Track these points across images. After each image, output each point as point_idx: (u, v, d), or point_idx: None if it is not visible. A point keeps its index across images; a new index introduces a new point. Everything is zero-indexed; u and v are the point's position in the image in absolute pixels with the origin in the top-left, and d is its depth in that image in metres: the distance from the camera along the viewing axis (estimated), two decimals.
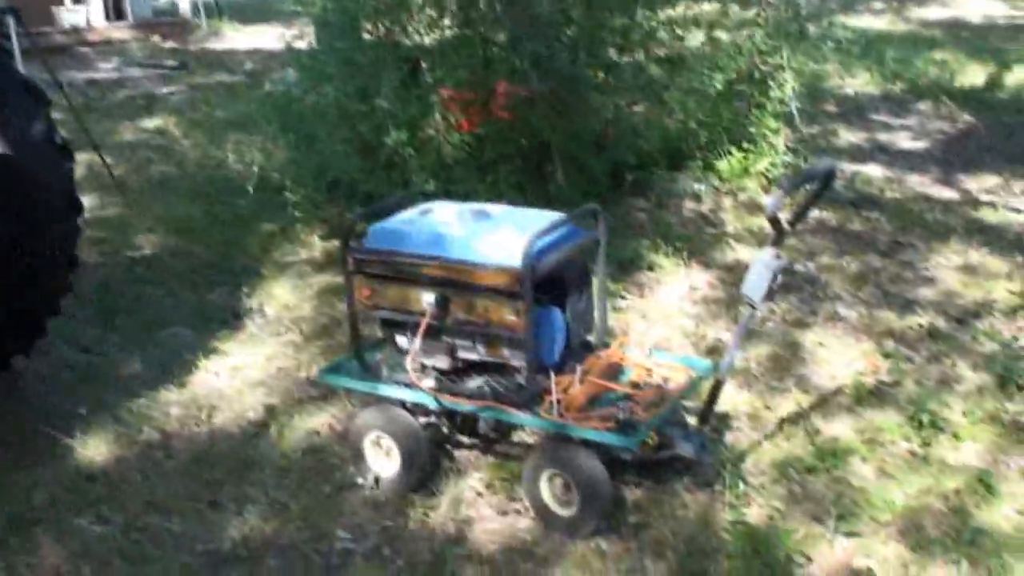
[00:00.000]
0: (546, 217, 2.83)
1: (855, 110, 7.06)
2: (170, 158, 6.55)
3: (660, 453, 2.85)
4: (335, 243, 4.85)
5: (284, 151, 5.25)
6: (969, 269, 4.39)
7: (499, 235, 2.71)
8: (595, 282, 3.00)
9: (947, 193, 5.39)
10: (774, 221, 2.59)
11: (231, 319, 4.30)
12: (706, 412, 2.87)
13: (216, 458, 3.24)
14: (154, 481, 3.12)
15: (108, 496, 3.05)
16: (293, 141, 4.89)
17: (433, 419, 3.02)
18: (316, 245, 4.96)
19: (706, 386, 2.90)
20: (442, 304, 2.75)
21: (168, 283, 4.67)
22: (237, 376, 3.80)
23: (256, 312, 4.37)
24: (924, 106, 7.08)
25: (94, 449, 3.31)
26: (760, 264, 2.64)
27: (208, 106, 7.64)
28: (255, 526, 2.88)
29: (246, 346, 4.06)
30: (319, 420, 3.41)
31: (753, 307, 2.67)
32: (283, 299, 4.46)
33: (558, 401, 2.69)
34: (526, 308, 2.62)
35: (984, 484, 2.83)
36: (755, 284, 2.64)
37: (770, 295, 2.67)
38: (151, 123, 7.34)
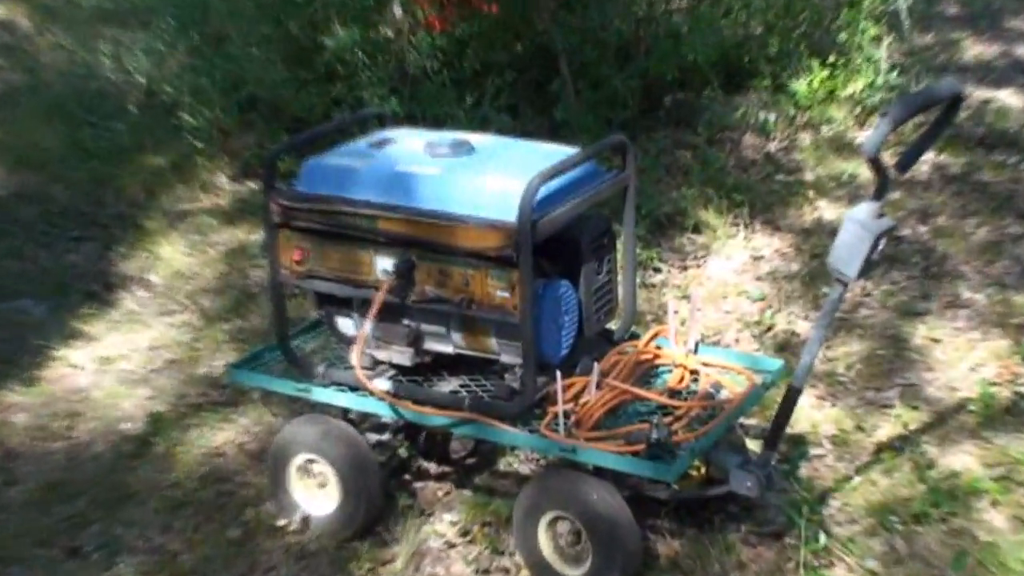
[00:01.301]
0: (552, 153, 2.81)
1: (985, 13, 7.05)
2: (18, 62, 6.50)
3: (709, 489, 2.83)
4: (252, 185, 4.85)
5: (181, 55, 5.19)
6: None
7: (486, 176, 2.69)
8: (620, 247, 2.99)
9: None
10: (875, 165, 2.56)
11: (101, 290, 4.29)
12: (774, 433, 2.83)
13: (78, 486, 3.22)
14: None
15: None
16: (194, 42, 4.84)
17: (388, 436, 3.03)
18: (224, 188, 4.96)
19: (775, 396, 2.89)
20: (404, 273, 2.74)
21: (14, 237, 4.65)
22: (109, 371, 3.79)
23: (136, 281, 4.36)
24: None
25: None
26: (854, 225, 2.61)
27: None
28: None
29: (122, 329, 4.04)
30: (225, 435, 3.41)
31: (843, 285, 2.66)
32: (175, 263, 4.45)
33: (566, 413, 2.68)
34: (524, 281, 2.60)
35: None
36: (847, 253, 2.62)
37: (867, 269, 2.65)
38: None
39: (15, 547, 2.98)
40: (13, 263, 4.46)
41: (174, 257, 4.48)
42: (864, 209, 2.62)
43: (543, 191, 2.61)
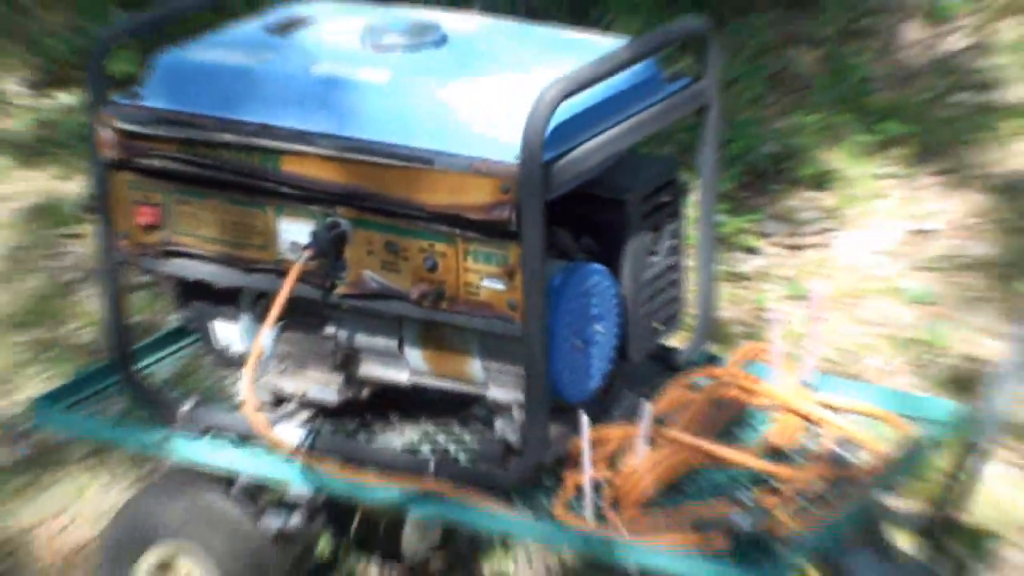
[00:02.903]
0: (577, 46, 2.87)
1: None
2: None
3: None
4: (65, 97, 4.96)
5: None
6: None
7: (467, 86, 2.73)
8: (694, 209, 3.04)
9: None
10: None
11: None
12: (940, 521, 2.91)
13: None
14: None
15: None
16: None
17: (298, 521, 3.06)
18: (16, 101, 5.07)
19: (943, 462, 2.94)
20: (328, 248, 2.78)
21: None
22: None
23: None
24: None
25: None
26: None
27: None
28: None
29: None
30: (27, 516, 3.49)
31: None
32: None
33: (596, 484, 2.74)
34: (529, 263, 2.61)
35: None
36: None
37: None
38: None
39: None
40: None
41: None
42: None
43: (563, 112, 2.60)
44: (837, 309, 4.05)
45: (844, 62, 5.02)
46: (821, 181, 4.57)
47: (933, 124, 4.78)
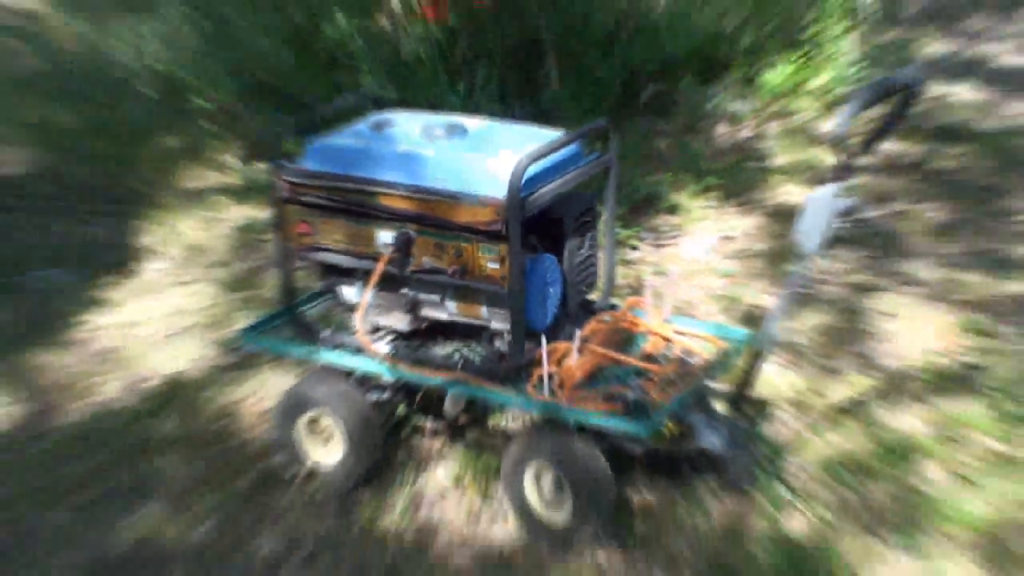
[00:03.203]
0: (539, 135, 2.87)
1: (944, 12, 7.07)
2: (40, 48, 6.49)
3: (679, 446, 2.91)
4: (260, 166, 4.92)
5: (191, 41, 5.23)
6: None
7: (478, 157, 2.75)
8: (602, 225, 3.07)
9: None
10: (839, 147, 2.61)
11: (125, 260, 4.34)
12: (739, 396, 2.94)
13: (104, 437, 3.30)
14: (24, 465, 3.18)
15: None
16: (203, 29, 4.86)
17: (387, 396, 3.10)
18: (234, 167, 5.00)
19: (740, 363, 2.97)
20: (403, 246, 2.80)
21: (35, 212, 4.67)
22: (131, 334, 3.86)
23: (154, 253, 4.42)
24: None
25: None
26: (816, 203, 2.67)
27: None
28: (154, 526, 2.95)
29: (143, 296, 4.12)
30: (236, 393, 3.49)
31: (806, 259, 2.73)
32: (190, 237, 4.52)
33: (550, 376, 2.76)
34: (512, 254, 2.66)
35: None
36: (809, 228, 2.68)
37: (827, 245, 2.72)
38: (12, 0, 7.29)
39: (48, 492, 3.06)
40: (35, 236, 4.52)
41: (189, 232, 4.55)
42: (825, 190, 2.67)
43: (530, 171, 2.65)
44: (682, 280, 4.05)
45: (686, 146, 5.02)
46: (673, 210, 4.57)
47: (733, 179, 4.79)
